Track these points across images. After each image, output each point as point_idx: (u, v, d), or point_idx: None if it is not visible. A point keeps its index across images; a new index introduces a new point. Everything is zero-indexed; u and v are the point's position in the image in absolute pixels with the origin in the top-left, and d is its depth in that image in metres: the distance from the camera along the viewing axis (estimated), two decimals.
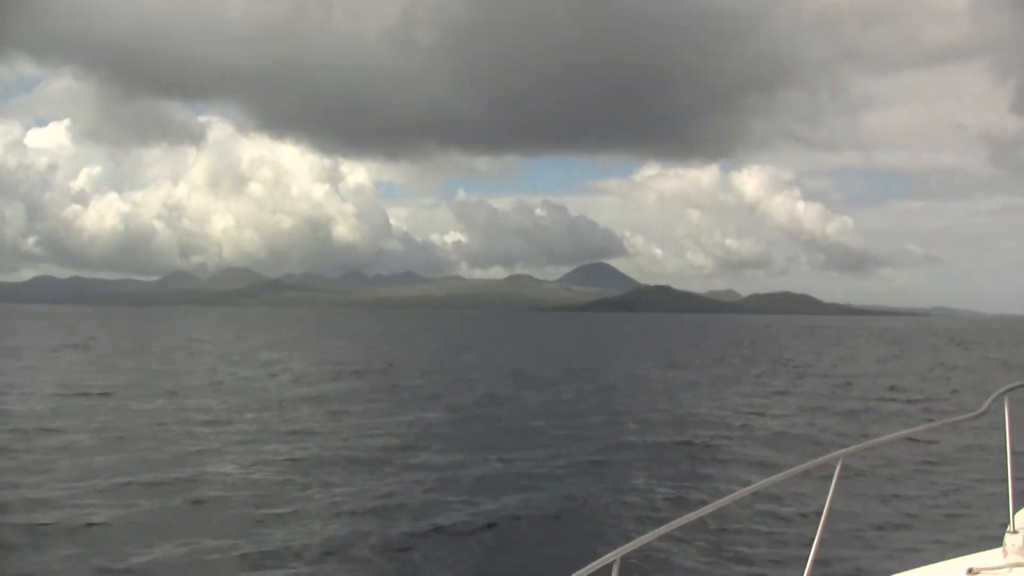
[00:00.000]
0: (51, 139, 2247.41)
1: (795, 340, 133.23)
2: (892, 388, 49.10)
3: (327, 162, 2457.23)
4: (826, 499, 5.56)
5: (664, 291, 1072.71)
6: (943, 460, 25.04)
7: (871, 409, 39.13)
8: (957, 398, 44.06)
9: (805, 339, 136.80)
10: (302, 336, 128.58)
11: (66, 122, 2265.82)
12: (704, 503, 5.19)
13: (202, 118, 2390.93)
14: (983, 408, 5.48)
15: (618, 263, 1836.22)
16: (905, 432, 8.11)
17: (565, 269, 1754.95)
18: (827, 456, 5.67)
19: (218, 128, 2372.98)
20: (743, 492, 5.50)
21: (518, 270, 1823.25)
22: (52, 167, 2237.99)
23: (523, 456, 26.06)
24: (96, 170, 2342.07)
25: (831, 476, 5.58)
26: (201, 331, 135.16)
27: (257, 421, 33.23)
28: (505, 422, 33.99)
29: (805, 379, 56.68)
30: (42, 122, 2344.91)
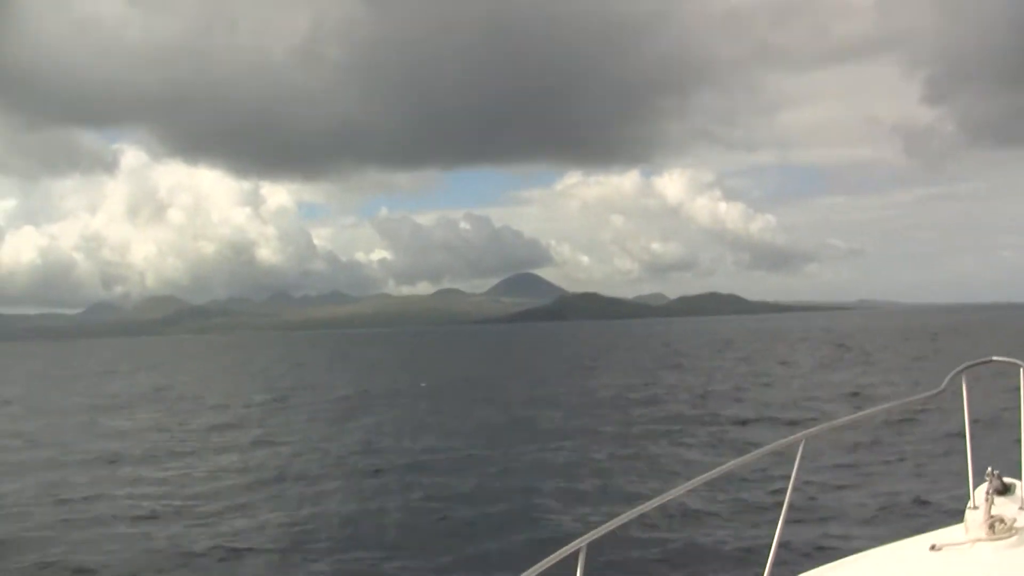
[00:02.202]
0: None
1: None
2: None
3: (247, 185, 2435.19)
4: (789, 481, 5.42)
5: (592, 298, 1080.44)
6: (903, 439, 25.50)
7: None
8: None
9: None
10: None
11: None
12: (667, 489, 5.08)
13: (114, 145, 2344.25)
14: (942, 387, 5.39)
15: (545, 272, 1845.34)
16: (866, 412, 8.13)
17: (493, 281, 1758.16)
18: (790, 438, 5.51)
19: (131, 155, 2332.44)
20: (706, 476, 5.32)
21: (445, 284, 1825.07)
22: None
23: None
24: (10, 203, 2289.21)
25: (794, 457, 5.46)
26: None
27: None
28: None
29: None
30: None
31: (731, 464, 5.50)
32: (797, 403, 39.40)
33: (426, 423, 37.42)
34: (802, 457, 5.48)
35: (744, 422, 33.82)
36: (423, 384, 60.17)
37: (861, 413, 8.07)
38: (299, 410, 45.62)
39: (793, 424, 30.57)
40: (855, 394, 41.14)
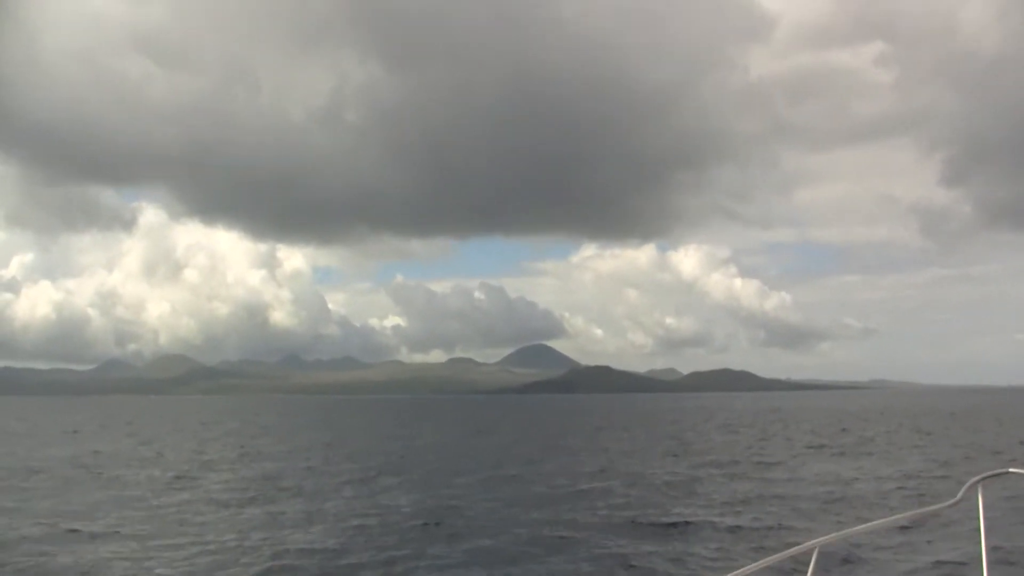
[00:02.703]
0: None
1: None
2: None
3: (263, 247, 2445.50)
4: None
5: (604, 371, 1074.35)
6: (919, 549, 23.79)
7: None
8: None
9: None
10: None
11: None
12: None
13: (132, 203, 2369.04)
14: (958, 497, 5.57)
15: (559, 344, 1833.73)
16: (882, 521, 7.27)
17: (506, 351, 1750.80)
18: (802, 546, 5.65)
19: (150, 213, 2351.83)
20: None
21: (458, 353, 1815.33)
22: None
23: None
24: (28, 257, 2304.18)
25: (807, 565, 5.69)
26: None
27: None
28: None
29: None
30: None
31: (738, 573, 5.44)
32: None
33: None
34: (815, 566, 5.68)
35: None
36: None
37: (876, 522, 7.07)
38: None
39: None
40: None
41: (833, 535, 6.10)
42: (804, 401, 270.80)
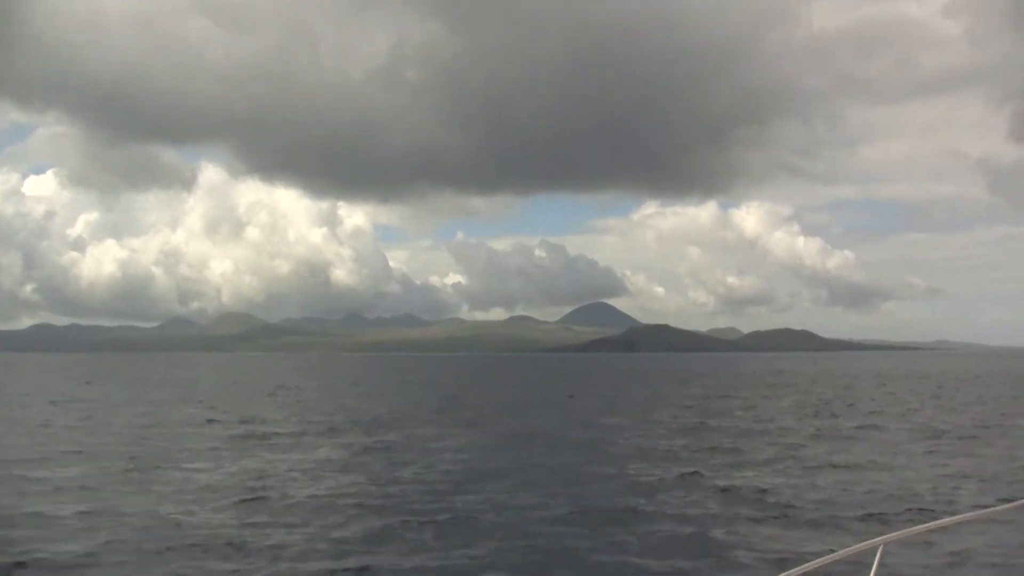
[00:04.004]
0: (48, 187, 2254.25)
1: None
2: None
3: (324, 205, 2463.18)
4: None
5: (663, 329, 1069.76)
6: (987, 551, 21.02)
7: None
8: None
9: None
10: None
11: (57, 169, 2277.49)
12: None
13: (192, 163, 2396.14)
14: None
15: (619, 302, 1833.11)
16: (952, 519, 7.66)
17: (566, 309, 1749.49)
18: (866, 543, 5.51)
19: (210, 172, 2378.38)
20: None
21: (519, 311, 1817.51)
22: (49, 214, 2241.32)
23: None
24: (93, 216, 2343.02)
25: (870, 565, 5.46)
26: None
27: None
28: None
29: None
30: (39, 169, 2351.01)
31: (796, 570, 5.36)
32: None
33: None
34: (879, 566, 5.38)
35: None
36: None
37: (947, 519, 7.44)
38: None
39: None
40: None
41: (899, 532, 6.05)
42: (897, 362, 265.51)
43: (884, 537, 5.50)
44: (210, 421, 52.24)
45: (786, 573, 5.33)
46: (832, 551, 5.79)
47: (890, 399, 74.47)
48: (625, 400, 76.79)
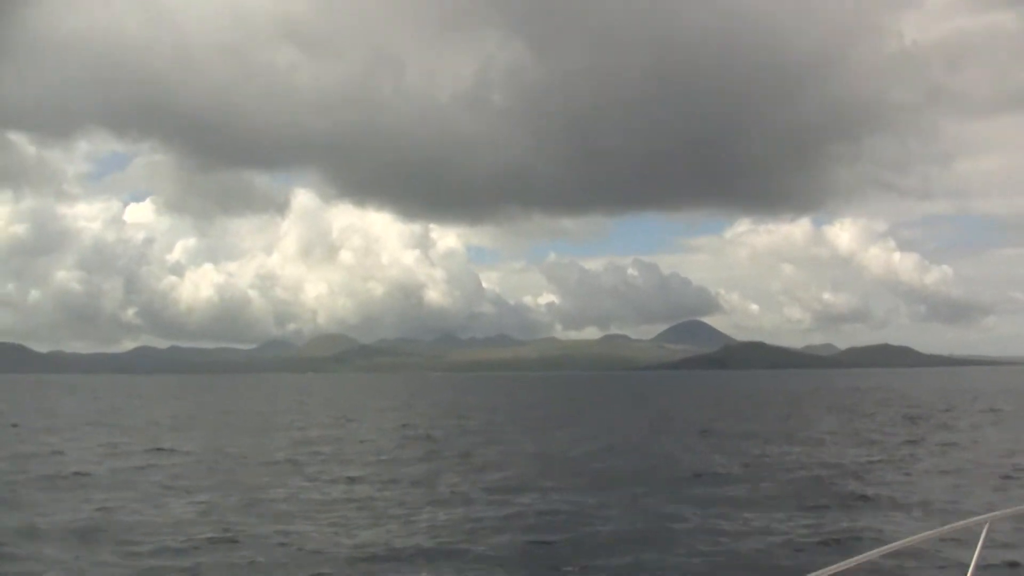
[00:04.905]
0: (146, 214, 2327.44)
1: None
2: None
3: (416, 228, 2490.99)
4: (969, 568, 5.50)
5: (758, 347, 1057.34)
6: None
7: None
8: None
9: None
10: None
11: (155, 196, 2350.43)
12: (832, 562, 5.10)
13: (285, 188, 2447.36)
14: None
15: (714, 320, 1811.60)
16: None
17: (660, 328, 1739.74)
18: (973, 519, 5.42)
19: (302, 196, 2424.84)
20: (876, 552, 5.36)
21: (613, 330, 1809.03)
22: (148, 240, 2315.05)
23: None
24: (191, 242, 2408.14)
25: (975, 541, 5.33)
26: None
27: None
28: None
29: None
30: (138, 197, 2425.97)
31: (902, 542, 5.33)
32: None
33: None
34: (984, 542, 5.31)
35: None
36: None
37: None
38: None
39: None
40: None
41: (1008, 510, 5.92)
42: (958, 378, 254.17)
43: (992, 514, 5.39)
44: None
45: (890, 545, 5.33)
46: (937, 525, 5.80)
47: None
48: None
